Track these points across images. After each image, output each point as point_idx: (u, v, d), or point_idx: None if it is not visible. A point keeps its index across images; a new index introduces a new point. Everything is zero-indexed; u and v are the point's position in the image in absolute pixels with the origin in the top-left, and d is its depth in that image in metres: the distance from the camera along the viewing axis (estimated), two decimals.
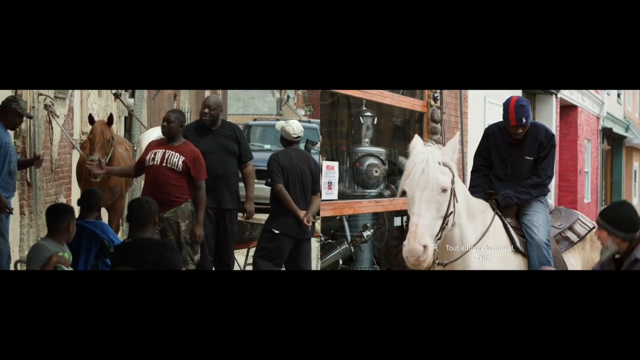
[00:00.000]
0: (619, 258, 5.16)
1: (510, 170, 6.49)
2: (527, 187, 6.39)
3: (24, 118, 7.83)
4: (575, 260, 6.54)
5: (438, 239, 5.40)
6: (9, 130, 7.65)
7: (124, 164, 9.15)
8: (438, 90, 10.22)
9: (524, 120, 6.33)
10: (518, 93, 11.24)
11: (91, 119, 8.67)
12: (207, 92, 23.12)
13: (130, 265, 5.05)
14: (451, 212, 5.46)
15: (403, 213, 5.56)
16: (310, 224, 7.77)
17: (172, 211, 7.54)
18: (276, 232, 7.61)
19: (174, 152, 7.63)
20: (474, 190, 6.50)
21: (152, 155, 7.68)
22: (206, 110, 8.04)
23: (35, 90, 8.76)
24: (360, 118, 9.17)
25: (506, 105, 6.37)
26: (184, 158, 7.60)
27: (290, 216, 7.66)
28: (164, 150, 7.65)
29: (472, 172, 6.81)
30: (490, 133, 6.66)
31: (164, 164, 7.60)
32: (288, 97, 38.29)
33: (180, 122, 7.75)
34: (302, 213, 7.68)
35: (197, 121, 8.39)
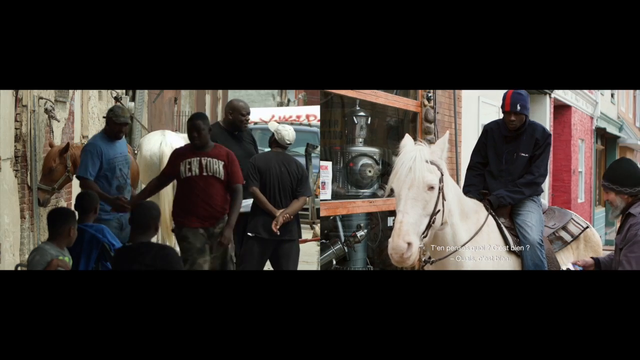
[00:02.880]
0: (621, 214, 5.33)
1: (504, 166, 6.52)
2: (520, 186, 6.41)
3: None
4: (569, 260, 6.55)
5: (424, 237, 5.42)
6: (118, 142, 7.63)
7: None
8: (432, 90, 10.22)
9: (518, 107, 6.41)
10: None
11: (51, 145, 8.62)
12: (208, 95, 23.12)
13: (131, 269, 5.05)
14: (438, 210, 5.49)
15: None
16: (278, 225, 7.39)
17: (221, 226, 7.08)
18: (250, 235, 7.48)
19: (211, 159, 7.07)
20: (468, 189, 6.53)
21: (187, 166, 7.05)
22: (247, 117, 7.99)
23: (35, 94, 8.76)
24: (354, 118, 9.18)
25: (504, 93, 6.44)
26: (223, 163, 7.08)
27: (260, 218, 7.42)
28: (199, 158, 7.06)
29: (468, 169, 6.85)
30: (489, 129, 6.73)
31: (204, 173, 7.04)
32: (289, 100, 38.14)
33: (210, 127, 7.20)
34: (278, 212, 7.41)
35: (217, 125, 8.21)
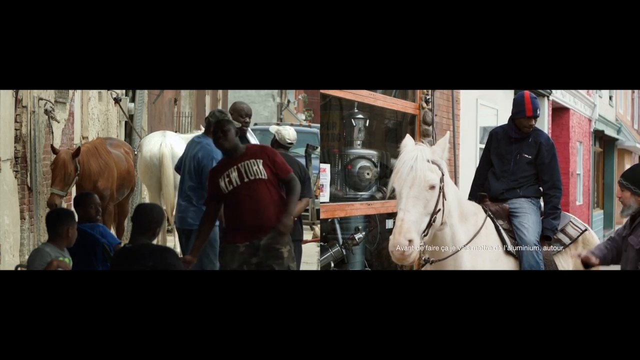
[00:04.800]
0: (634, 215, 5.37)
1: (506, 167, 6.61)
2: (549, 209, 6.60)
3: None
4: (567, 263, 6.63)
5: (425, 236, 5.45)
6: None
7: (115, 167, 9.13)
8: (430, 93, 10.23)
9: (538, 112, 6.66)
10: (510, 93, 11.26)
11: (54, 149, 8.60)
12: (208, 96, 23.10)
13: (132, 270, 5.06)
14: (439, 210, 5.54)
15: (395, 215, 5.60)
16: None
17: (270, 236, 6.38)
18: None
19: (247, 161, 6.44)
20: (474, 190, 6.77)
21: (227, 179, 6.42)
22: (247, 119, 7.96)
23: (35, 95, 8.78)
24: (352, 120, 9.17)
25: (520, 98, 6.64)
26: (261, 160, 6.46)
27: None
28: (236, 167, 6.45)
29: (475, 176, 7.03)
30: (494, 134, 6.91)
31: (246, 179, 6.41)
32: (289, 101, 37.99)
33: (235, 127, 6.65)
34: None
35: None
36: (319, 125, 12.94)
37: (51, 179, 8.40)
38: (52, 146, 8.73)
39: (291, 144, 7.79)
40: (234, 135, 6.51)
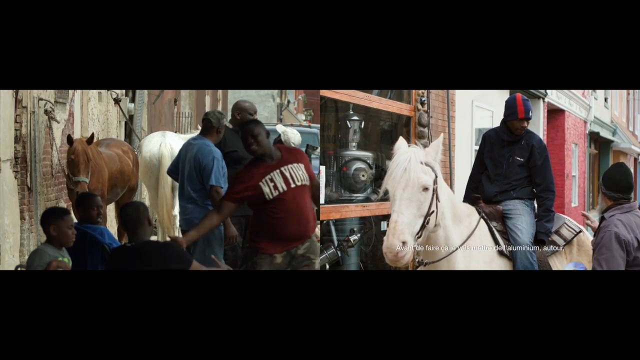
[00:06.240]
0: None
1: (499, 170, 6.64)
2: (543, 211, 6.59)
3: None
4: (562, 265, 6.60)
5: (419, 237, 5.48)
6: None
7: (106, 167, 9.17)
8: (425, 95, 10.25)
9: (530, 114, 6.65)
10: (506, 94, 11.31)
11: (70, 140, 8.68)
12: (208, 96, 23.14)
13: (139, 269, 5.08)
14: (432, 212, 5.55)
15: (389, 217, 5.64)
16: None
17: (306, 246, 6.22)
18: None
19: (291, 165, 6.14)
20: (468, 193, 6.77)
21: (271, 184, 6.02)
22: (255, 116, 8.03)
23: (35, 95, 8.80)
24: (348, 122, 9.14)
25: (512, 100, 6.63)
26: (302, 165, 6.20)
27: None
28: (278, 170, 6.10)
29: (468, 181, 7.03)
30: (487, 136, 6.89)
31: (293, 185, 6.09)
32: (288, 102, 37.88)
33: (266, 129, 6.23)
34: None
35: (226, 127, 8.17)
36: (318, 125, 12.96)
37: (73, 169, 8.49)
38: (69, 136, 8.78)
39: (294, 147, 7.86)
40: (265, 139, 6.14)
